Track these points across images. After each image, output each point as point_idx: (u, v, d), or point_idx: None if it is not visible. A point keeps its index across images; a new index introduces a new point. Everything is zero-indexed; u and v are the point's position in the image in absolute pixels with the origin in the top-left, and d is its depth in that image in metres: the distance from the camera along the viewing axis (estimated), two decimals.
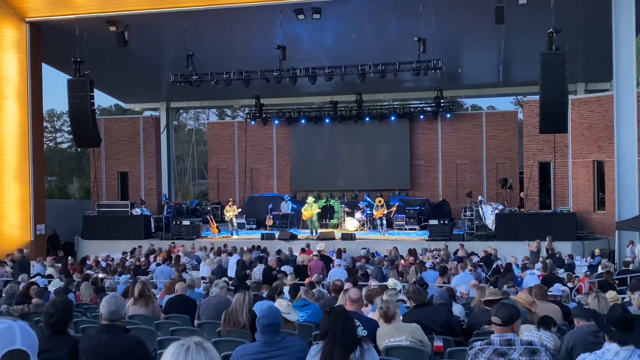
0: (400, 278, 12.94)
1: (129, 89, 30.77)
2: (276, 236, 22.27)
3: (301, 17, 18.90)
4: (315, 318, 7.10)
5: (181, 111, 46.54)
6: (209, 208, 27.86)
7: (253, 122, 29.58)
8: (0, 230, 20.63)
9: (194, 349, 2.31)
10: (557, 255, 17.32)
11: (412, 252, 17.71)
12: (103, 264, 18.31)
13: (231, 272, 15.26)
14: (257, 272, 13.95)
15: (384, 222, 23.06)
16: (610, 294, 7.83)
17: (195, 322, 7.76)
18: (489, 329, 6.40)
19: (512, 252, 17.98)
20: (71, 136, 35.52)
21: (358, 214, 24.72)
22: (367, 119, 28.31)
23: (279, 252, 18.56)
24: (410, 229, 24.12)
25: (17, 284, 10.51)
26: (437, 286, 10.95)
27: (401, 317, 6.13)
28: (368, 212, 24.45)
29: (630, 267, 14.36)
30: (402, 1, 18.71)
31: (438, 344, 6.01)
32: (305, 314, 7.14)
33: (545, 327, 5.83)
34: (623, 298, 9.39)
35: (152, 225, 24.65)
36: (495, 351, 4.03)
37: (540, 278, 12.00)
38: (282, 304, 5.77)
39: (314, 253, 16.96)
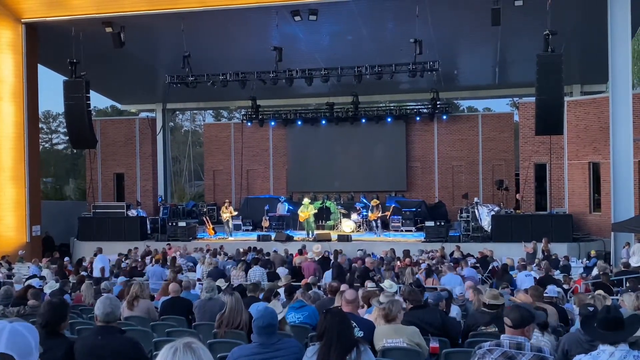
0: (397, 279, 12.94)
1: (125, 90, 30.75)
2: (272, 237, 22.26)
3: (297, 18, 18.89)
4: (311, 320, 7.08)
5: (177, 112, 46.60)
6: (205, 209, 27.84)
7: (249, 124, 29.59)
8: None
9: (182, 350, 2.34)
10: (553, 257, 17.35)
11: (406, 253, 17.72)
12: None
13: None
14: (253, 273, 13.95)
15: (379, 223, 23.10)
16: (600, 293, 7.82)
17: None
18: (486, 330, 6.42)
19: (508, 253, 18.01)
20: (67, 137, 35.46)
21: (354, 216, 24.73)
22: (364, 120, 28.34)
23: (269, 254, 18.53)
24: (406, 231, 24.12)
25: (13, 285, 10.47)
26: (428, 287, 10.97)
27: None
28: (364, 213, 24.46)
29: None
30: (399, 3, 18.71)
31: (434, 345, 6.01)
32: (302, 316, 7.13)
33: (540, 330, 5.81)
34: (617, 299, 9.40)
35: (148, 226, 24.62)
36: (504, 354, 3.95)
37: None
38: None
39: (308, 255, 16.98)
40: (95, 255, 17.50)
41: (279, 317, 5.51)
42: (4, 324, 2.47)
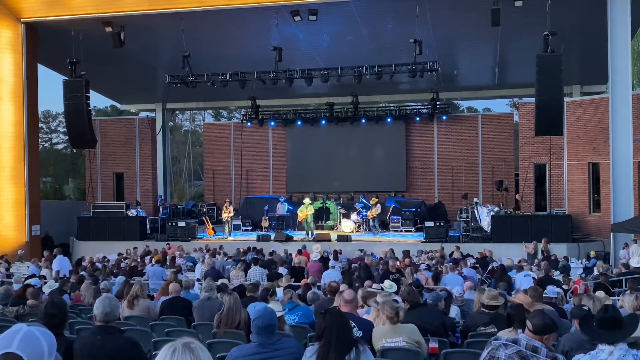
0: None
1: (125, 90, 30.74)
2: (272, 237, 22.25)
3: (297, 18, 18.89)
4: (307, 318, 7.14)
5: (177, 112, 46.56)
6: (204, 209, 27.84)
7: (249, 124, 29.60)
8: None
9: (180, 350, 2.35)
10: (553, 257, 17.34)
11: (405, 253, 17.71)
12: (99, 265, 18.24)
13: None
14: (253, 273, 13.94)
15: (376, 222, 23.14)
16: (600, 295, 7.83)
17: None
18: (485, 330, 6.42)
19: (507, 254, 17.99)
20: (67, 137, 35.45)
21: (354, 216, 24.72)
22: (363, 120, 28.35)
23: (272, 253, 18.56)
24: (406, 231, 24.12)
25: (12, 285, 10.47)
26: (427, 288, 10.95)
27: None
28: (364, 213, 24.47)
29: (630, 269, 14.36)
30: (398, 3, 18.72)
31: (433, 345, 6.01)
32: (297, 316, 7.14)
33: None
34: (617, 299, 9.40)
35: (148, 226, 24.62)
36: (518, 352, 3.88)
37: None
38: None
39: (312, 256, 16.95)
40: (55, 256, 17.38)
41: (278, 315, 5.53)
42: (21, 326, 2.50)
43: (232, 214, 23.84)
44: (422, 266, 15.01)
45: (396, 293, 8.04)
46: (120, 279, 12.50)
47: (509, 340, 4.02)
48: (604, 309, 4.18)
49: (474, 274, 13.55)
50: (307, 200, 23.72)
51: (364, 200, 25.63)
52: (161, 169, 30.76)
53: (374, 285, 9.89)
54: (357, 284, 10.74)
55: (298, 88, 24.00)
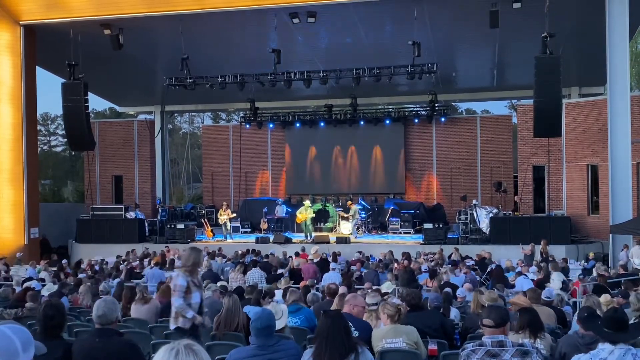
0: (396, 281, 12.91)
1: (124, 92, 30.74)
2: (271, 240, 22.24)
3: (296, 20, 18.91)
4: (309, 323, 7.06)
5: (176, 114, 46.55)
6: (203, 212, 27.84)
7: (248, 126, 29.58)
8: None
9: (183, 352, 2.31)
10: (551, 259, 17.34)
11: (406, 255, 17.70)
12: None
13: None
14: (252, 275, 13.93)
15: (354, 226, 23.34)
16: (605, 298, 7.82)
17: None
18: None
19: (506, 255, 18.00)
20: (65, 139, 35.44)
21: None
22: (362, 122, 28.34)
23: (267, 256, 18.52)
24: (405, 233, 24.12)
25: (10, 287, 10.46)
26: (426, 288, 10.95)
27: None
28: (363, 215, 24.47)
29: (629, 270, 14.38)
30: (397, 5, 18.73)
31: (432, 347, 6.00)
32: (299, 320, 7.09)
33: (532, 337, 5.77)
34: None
35: (147, 228, 24.61)
36: (487, 352, 4.09)
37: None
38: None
39: (309, 257, 16.94)
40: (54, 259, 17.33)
41: (282, 320, 5.49)
42: None
43: (230, 216, 23.80)
44: (423, 267, 15.01)
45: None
46: (119, 281, 12.49)
47: (475, 345, 4.18)
48: (613, 309, 4.30)
49: (472, 275, 13.56)
50: (306, 203, 23.70)
51: (362, 202, 25.61)
52: (160, 171, 30.76)
53: (374, 287, 9.89)
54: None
55: (297, 90, 24.00)
